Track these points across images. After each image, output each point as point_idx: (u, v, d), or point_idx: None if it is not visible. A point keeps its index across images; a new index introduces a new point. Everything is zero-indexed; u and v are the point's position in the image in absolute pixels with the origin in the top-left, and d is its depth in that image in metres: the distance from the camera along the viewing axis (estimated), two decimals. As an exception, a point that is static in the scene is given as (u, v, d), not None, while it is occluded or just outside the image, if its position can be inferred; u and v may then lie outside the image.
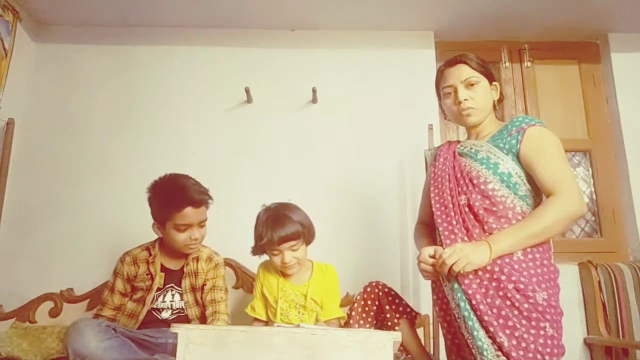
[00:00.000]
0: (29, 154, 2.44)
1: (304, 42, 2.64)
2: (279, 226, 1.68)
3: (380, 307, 1.70)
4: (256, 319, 1.80)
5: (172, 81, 2.58)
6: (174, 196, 1.76)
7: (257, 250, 1.78)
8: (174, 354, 1.16)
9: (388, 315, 1.68)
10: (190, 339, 1.12)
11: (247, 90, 2.47)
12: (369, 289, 1.71)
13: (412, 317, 1.71)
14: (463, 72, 1.56)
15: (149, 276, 1.84)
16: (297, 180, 2.43)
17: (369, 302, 1.70)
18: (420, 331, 2.14)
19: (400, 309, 1.69)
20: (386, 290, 1.71)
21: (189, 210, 1.75)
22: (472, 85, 1.55)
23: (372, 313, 1.70)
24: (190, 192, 1.77)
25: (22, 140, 2.43)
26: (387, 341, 1.12)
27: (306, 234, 1.74)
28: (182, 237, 1.78)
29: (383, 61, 2.63)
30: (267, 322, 1.78)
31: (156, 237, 1.89)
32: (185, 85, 2.58)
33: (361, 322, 1.69)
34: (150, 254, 1.87)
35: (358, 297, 1.73)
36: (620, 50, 2.67)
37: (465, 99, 1.53)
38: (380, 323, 1.71)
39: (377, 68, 2.62)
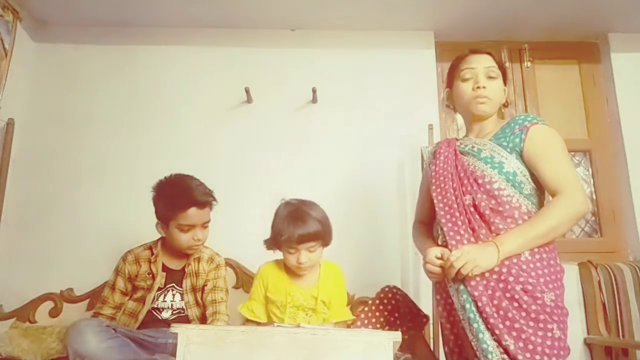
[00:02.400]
0: (29, 154, 2.44)
1: (304, 42, 2.64)
2: (301, 224, 1.64)
3: (394, 310, 1.65)
4: (249, 320, 1.74)
5: (172, 81, 2.58)
6: (178, 196, 1.77)
7: (272, 245, 1.73)
8: (174, 354, 1.16)
9: (399, 322, 1.64)
10: (190, 339, 1.12)
11: (247, 90, 2.47)
12: (387, 289, 1.68)
13: (422, 324, 1.69)
14: (488, 61, 1.56)
15: (150, 275, 1.84)
16: (297, 180, 2.43)
17: (385, 303, 1.65)
18: (420, 331, 2.14)
19: (414, 311, 1.66)
20: (403, 294, 1.68)
21: (193, 210, 1.75)
22: (491, 77, 1.55)
23: (385, 313, 1.64)
24: (195, 193, 1.77)
25: (22, 140, 2.43)
26: (387, 341, 1.12)
27: (325, 235, 1.71)
28: (185, 237, 1.78)
29: (383, 61, 2.63)
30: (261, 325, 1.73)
31: (158, 237, 1.90)
32: (186, 85, 2.58)
33: (365, 321, 1.64)
34: (153, 253, 1.87)
35: (373, 298, 1.68)
36: (620, 50, 2.67)
37: (484, 87, 1.53)
38: (389, 326, 1.65)
39: (377, 68, 2.62)
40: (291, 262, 1.69)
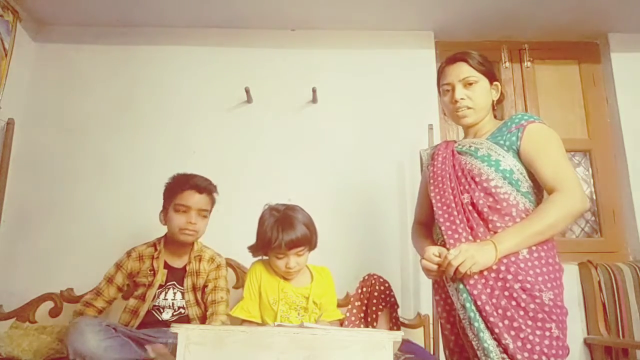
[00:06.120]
0: (29, 154, 2.44)
1: (304, 42, 2.64)
2: (290, 230, 1.66)
3: (371, 293, 1.69)
4: (245, 321, 1.73)
5: (172, 81, 2.58)
6: (180, 180, 1.86)
7: (259, 251, 1.76)
8: (174, 354, 1.16)
9: (374, 301, 1.68)
10: (190, 339, 1.12)
11: (247, 90, 2.47)
12: (366, 277, 1.72)
13: (391, 304, 1.71)
14: (462, 71, 1.55)
15: (152, 272, 1.84)
16: (297, 180, 2.43)
17: (363, 291, 1.71)
18: (420, 331, 2.14)
19: (386, 292, 1.70)
20: (381, 280, 1.71)
21: (190, 192, 1.81)
22: (470, 84, 1.54)
23: (365, 301, 1.70)
24: (197, 178, 1.85)
25: (22, 140, 2.43)
26: (387, 341, 1.12)
27: (312, 239, 1.73)
28: (179, 218, 1.81)
29: (383, 61, 2.63)
30: (259, 325, 1.73)
31: (160, 235, 1.91)
32: (186, 85, 2.58)
33: (353, 311, 1.69)
34: (156, 249, 1.88)
35: (357, 287, 1.74)
36: (620, 50, 2.67)
37: (462, 98, 1.53)
38: (367, 308, 1.71)
39: (377, 68, 2.62)
40: (280, 267, 1.71)
